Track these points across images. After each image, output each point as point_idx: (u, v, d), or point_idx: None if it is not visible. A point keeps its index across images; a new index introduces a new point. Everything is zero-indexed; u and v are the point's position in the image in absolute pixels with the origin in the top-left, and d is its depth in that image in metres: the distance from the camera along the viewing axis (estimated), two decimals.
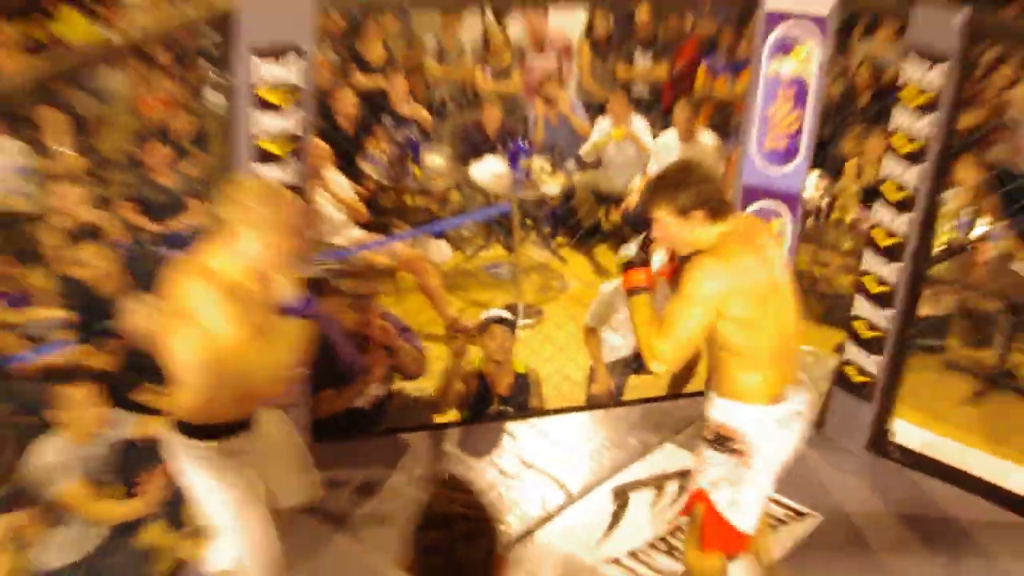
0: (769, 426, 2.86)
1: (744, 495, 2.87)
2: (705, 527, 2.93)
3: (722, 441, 2.90)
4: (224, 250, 2.64)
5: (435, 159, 6.37)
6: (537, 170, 6.11)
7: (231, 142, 3.60)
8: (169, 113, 6.74)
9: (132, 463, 3.63)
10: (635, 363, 4.65)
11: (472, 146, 6.61)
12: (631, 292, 2.83)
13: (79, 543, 3.48)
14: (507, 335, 4.38)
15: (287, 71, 3.48)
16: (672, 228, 2.77)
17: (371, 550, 3.67)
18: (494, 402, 4.45)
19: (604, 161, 6.82)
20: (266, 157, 3.56)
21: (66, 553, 3.44)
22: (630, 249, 2.97)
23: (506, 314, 4.50)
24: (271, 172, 3.58)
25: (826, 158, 6.40)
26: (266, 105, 3.49)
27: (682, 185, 2.75)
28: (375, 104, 6.59)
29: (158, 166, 5.91)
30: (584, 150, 6.86)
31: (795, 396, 2.90)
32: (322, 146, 5.35)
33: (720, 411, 2.91)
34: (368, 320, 4.34)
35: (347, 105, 6.36)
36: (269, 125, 3.53)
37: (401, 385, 4.63)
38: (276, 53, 3.43)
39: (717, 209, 2.75)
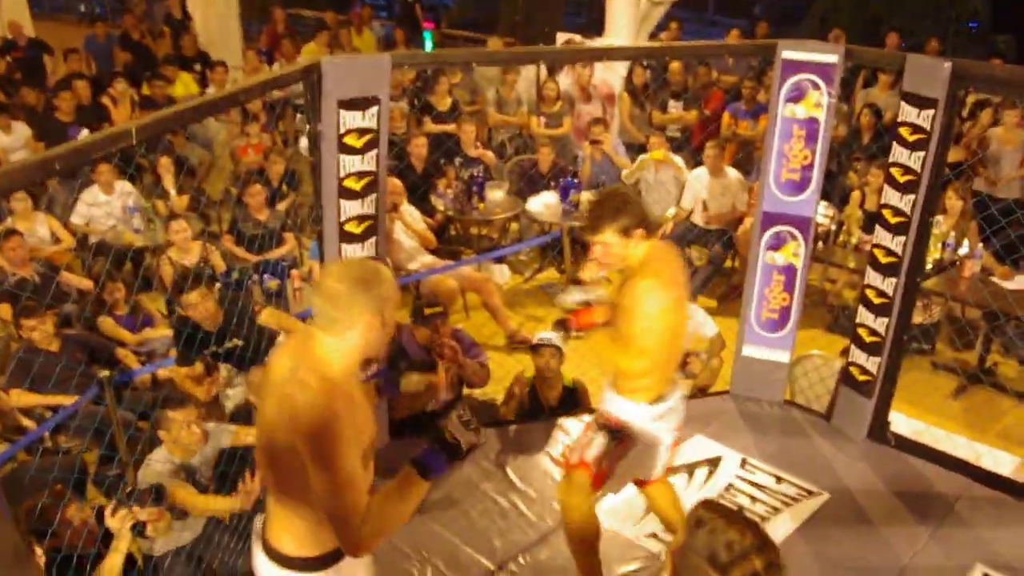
0: (648, 422, 2.92)
1: (611, 463, 2.97)
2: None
3: (611, 430, 2.94)
4: (337, 351, 2.02)
5: (496, 194, 6.40)
6: (584, 202, 6.11)
7: (319, 181, 3.55)
8: (264, 158, 6.87)
9: (230, 466, 3.62)
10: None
11: (528, 182, 6.62)
12: (582, 329, 2.87)
13: (182, 534, 3.48)
14: (554, 355, 4.30)
15: (365, 119, 3.46)
16: (615, 248, 2.74)
17: (446, 530, 3.66)
18: (545, 411, 4.39)
19: (643, 190, 6.77)
20: (349, 194, 3.54)
21: (173, 541, 3.46)
22: (575, 295, 3.04)
23: (554, 338, 4.12)
24: (353, 207, 3.58)
25: (833, 189, 6.47)
26: (348, 149, 3.48)
27: (622, 208, 2.72)
28: (446, 147, 6.67)
29: (256, 204, 5.93)
30: (626, 173, 6.84)
31: (672, 394, 2.94)
32: (397, 183, 5.44)
33: (615, 406, 2.94)
34: (439, 335, 4.22)
35: (419, 147, 6.46)
36: (350, 165, 3.51)
37: (468, 392, 4.56)
38: (359, 106, 3.43)
39: (649, 227, 2.76)
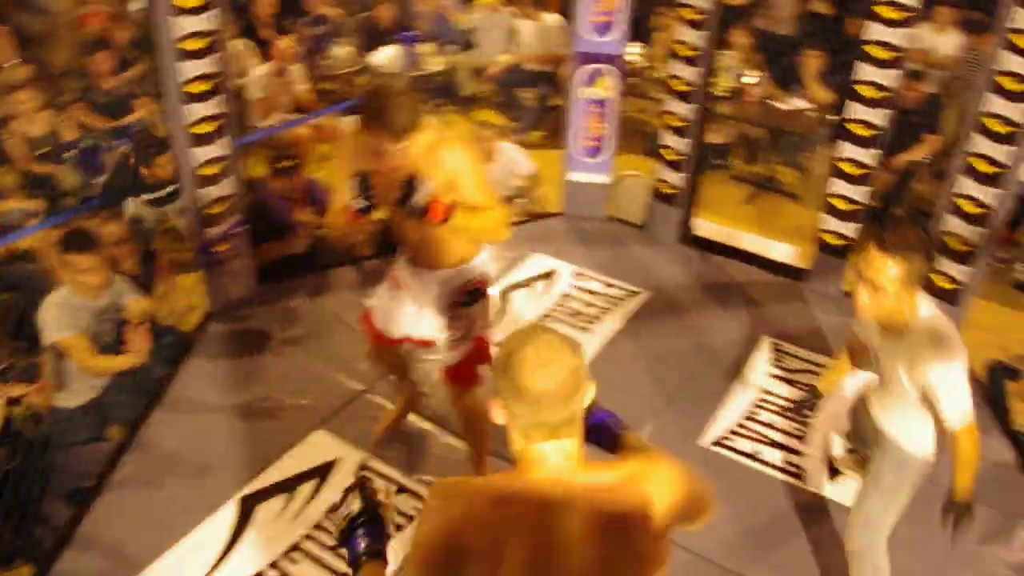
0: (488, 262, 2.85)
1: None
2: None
3: (474, 293, 2.81)
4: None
5: (343, 49, 6.53)
6: (424, 54, 6.39)
7: (156, 46, 3.50)
8: (107, 25, 6.48)
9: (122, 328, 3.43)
10: None
11: (371, 38, 6.73)
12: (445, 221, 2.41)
13: (85, 391, 3.44)
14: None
15: None
16: (399, 153, 2.43)
17: (315, 360, 3.83)
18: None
19: (477, 40, 6.98)
20: (188, 55, 3.50)
21: (75, 398, 3.43)
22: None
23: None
24: (194, 68, 3.52)
25: (642, 32, 6.85)
26: (182, 10, 3.41)
27: (388, 110, 2.36)
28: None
29: (101, 72, 5.73)
30: (458, 20, 7.09)
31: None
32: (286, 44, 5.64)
33: (466, 271, 2.78)
34: (295, 185, 4.40)
35: (264, 6, 6.38)
36: (187, 26, 3.44)
37: (326, 232, 4.68)
38: None
39: (403, 132, 2.40)
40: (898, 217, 4.46)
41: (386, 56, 6.46)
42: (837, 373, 2.89)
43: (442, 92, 7.00)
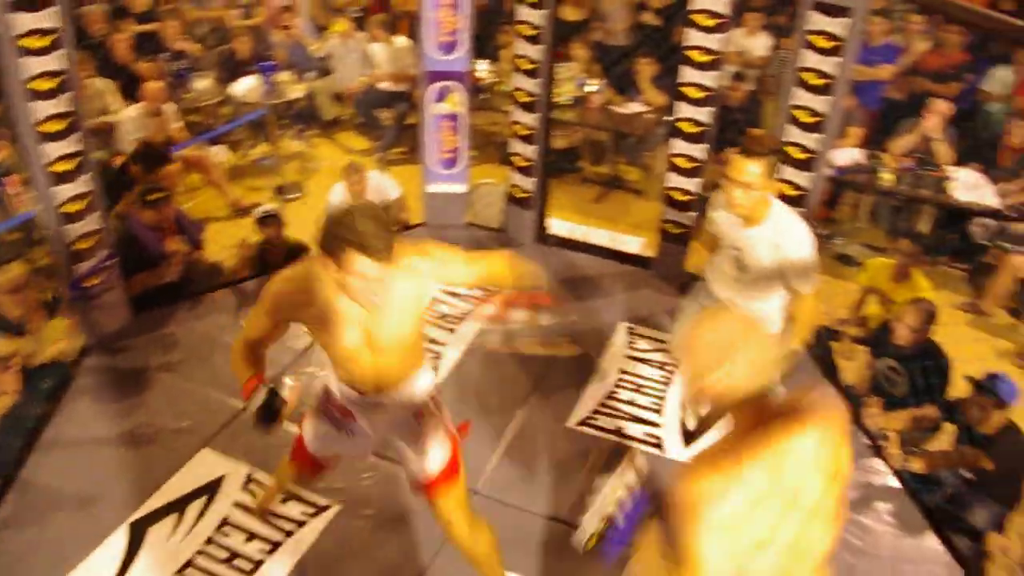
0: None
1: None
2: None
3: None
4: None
5: (203, 82, 6.57)
6: (283, 82, 6.49)
7: (6, 89, 3.45)
8: None
9: None
10: None
11: (230, 69, 6.80)
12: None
13: None
14: (278, 224, 4.68)
15: (45, 19, 3.36)
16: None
17: (194, 383, 3.86)
18: (275, 270, 4.58)
19: (334, 66, 7.13)
20: (40, 95, 3.48)
21: None
22: None
23: (272, 210, 4.71)
24: (48, 106, 3.50)
25: (489, 48, 7.12)
26: (29, 51, 3.38)
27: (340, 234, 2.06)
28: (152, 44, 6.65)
29: None
30: (314, 47, 7.25)
31: None
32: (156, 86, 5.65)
33: (419, 378, 2.53)
34: (165, 216, 4.41)
35: (121, 44, 6.36)
36: (35, 67, 3.41)
37: (198, 257, 4.72)
38: (34, 6, 3.32)
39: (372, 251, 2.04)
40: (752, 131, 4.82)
41: (246, 86, 6.54)
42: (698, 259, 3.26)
43: (304, 118, 7.09)
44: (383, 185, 5.24)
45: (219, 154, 6.48)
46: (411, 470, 2.59)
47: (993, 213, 5.49)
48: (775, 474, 1.60)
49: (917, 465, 3.51)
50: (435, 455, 2.53)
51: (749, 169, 2.74)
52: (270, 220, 4.70)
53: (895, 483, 3.53)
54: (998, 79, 6.47)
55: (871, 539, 3.27)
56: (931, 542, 3.28)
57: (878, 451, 3.65)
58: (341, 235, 2.02)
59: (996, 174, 5.82)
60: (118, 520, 3.20)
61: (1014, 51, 6.42)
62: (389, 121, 6.87)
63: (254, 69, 6.52)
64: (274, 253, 4.75)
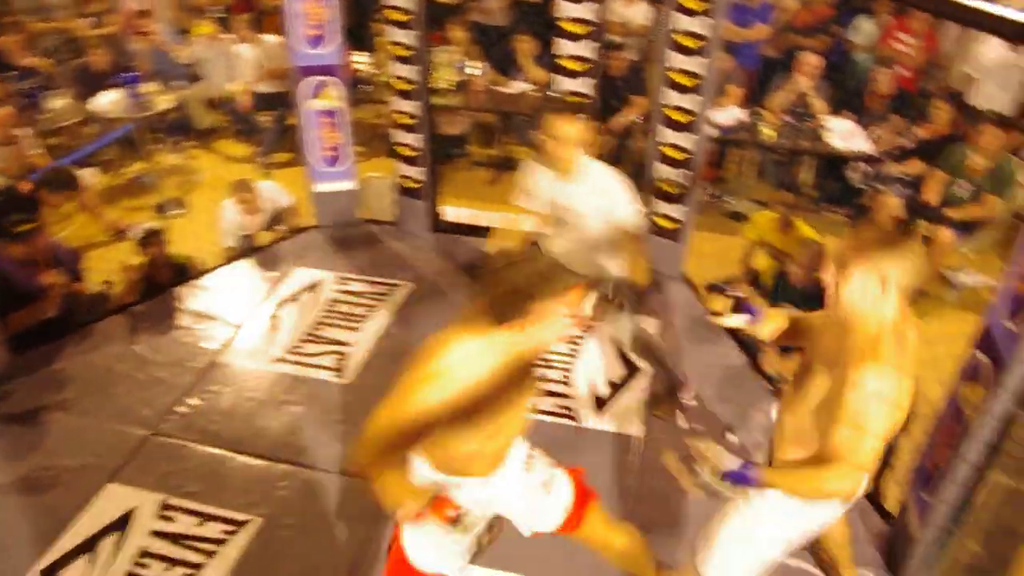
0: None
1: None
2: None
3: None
4: None
5: (59, 101, 6.21)
6: (149, 93, 6.17)
7: None
8: None
9: None
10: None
11: (88, 84, 6.43)
12: None
13: None
14: (162, 242, 4.51)
15: None
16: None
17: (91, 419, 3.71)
18: (162, 290, 4.50)
19: (203, 71, 6.89)
20: None
21: None
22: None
23: (151, 227, 4.54)
24: None
25: (367, 40, 6.99)
26: None
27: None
28: None
29: None
30: (180, 53, 6.95)
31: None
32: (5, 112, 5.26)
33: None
34: (37, 248, 4.16)
35: None
36: None
37: (79, 287, 4.50)
38: None
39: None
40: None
41: (109, 101, 6.20)
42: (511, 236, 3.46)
43: (178, 129, 6.85)
44: (274, 195, 5.11)
45: (90, 177, 6.15)
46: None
47: (867, 158, 5.76)
48: None
49: None
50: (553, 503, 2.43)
51: (566, 127, 3.06)
52: (151, 239, 4.52)
53: None
54: (863, 30, 6.77)
55: None
56: None
57: (778, 394, 3.79)
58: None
59: (867, 120, 6.11)
60: (25, 570, 3.04)
61: (875, 2, 6.73)
62: (268, 124, 6.70)
63: (115, 82, 6.24)
64: (161, 273, 4.59)
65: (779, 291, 4.30)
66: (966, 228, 5.22)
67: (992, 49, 5.98)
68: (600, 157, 3.42)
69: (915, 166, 5.64)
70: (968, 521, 2.63)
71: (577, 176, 3.21)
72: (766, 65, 6.68)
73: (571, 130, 3.06)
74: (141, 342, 4.19)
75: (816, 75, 6.13)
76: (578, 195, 3.23)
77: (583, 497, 2.46)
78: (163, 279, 4.59)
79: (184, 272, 4.69)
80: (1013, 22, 2.36)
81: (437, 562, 2.27)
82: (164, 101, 6.27)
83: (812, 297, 4.05)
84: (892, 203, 5.45)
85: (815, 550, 3.01)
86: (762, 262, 4.77)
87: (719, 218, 6.00)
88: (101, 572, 3.05)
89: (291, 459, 3.47)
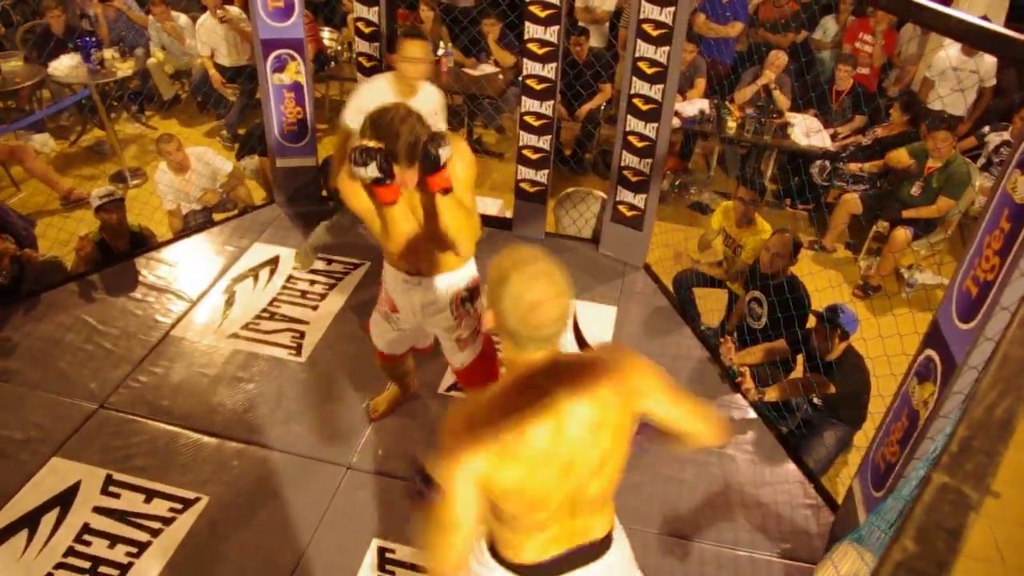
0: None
1: None
2: None
3: (473, 291, 2.80)
4: None
5: (11, 63, 6.03)
6: (109, 59, 6.00)
7: None
8: None
9: None
10: None
11: (42, 48, 6.26)
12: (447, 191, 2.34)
13: None
14: (119, 208, 4.37)
15: None
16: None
17: (38, 390, 3.65)
18: (118, 258, 4.40)
19: (168, 42, 6.76)
20: None
21: None
22: (372, 170, 2.23)
23: (112, 191, 4.39)
24: None
25: (337, 17, 6.92)
26: None
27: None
28: None
29: None
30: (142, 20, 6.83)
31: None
32: None
33: (465, 271, 2.79)
34: None
35: None
36: None
37: (31, 254, 4.45)
38: None
39: None
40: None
41: (66, 65, 6.02)
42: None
43: (139, 98, 6.71)
44: (212, 160, 5.04)
45: (43, 143, 6.05)
46: (450, 362, 3.02)
47: (830, 155, 5.84)
48: (555, 436, 1.53)
49: (771, 395, 3.72)
50: (461, 351, 2.94)
51: (418, 49, 3.42)
52: (110, 205, 4.37)
53: (753, 414, 3.73)
54: (828, 29, 6.86)
55: (732, 467, 3.45)
56: (787, 464, 3.50)
57: (736, 387, 3.84)
58: None
59: (830, 119, 6.19)
60: None
61: (839, 1, 6.81)
62: (234, 97, 6.59)
63: (73, 47, 6.06)
64: (117, 242, 4.49)
65: (751, 276, 4.31)
66: (922, 227, 5.33)
67: (949, 53, 6.09)
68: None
69: (874, 164, 5.73)
70: (907, 518, 2.68)
71: (416, 98, 3.50)
72: (738, 60, 6.74)
73: (422, 52, 3.43)
74: (92, 313, 4.09)
75: (781, 71, 6.19)
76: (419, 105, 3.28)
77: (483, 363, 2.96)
78: (120, 248, 4.49)
79: (141, 242, 4.59)
80: (969, 25, 2.39)
81: None
82: (124, 68, 6.11)
83: (773, 289, 4.09)
84: (852, 201, 5.54)
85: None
86: (718, 244, 4.82)
87: (682, 209, 6.04)
88: (40, 548, 2.99)
89: (243, 437, 3.43)
